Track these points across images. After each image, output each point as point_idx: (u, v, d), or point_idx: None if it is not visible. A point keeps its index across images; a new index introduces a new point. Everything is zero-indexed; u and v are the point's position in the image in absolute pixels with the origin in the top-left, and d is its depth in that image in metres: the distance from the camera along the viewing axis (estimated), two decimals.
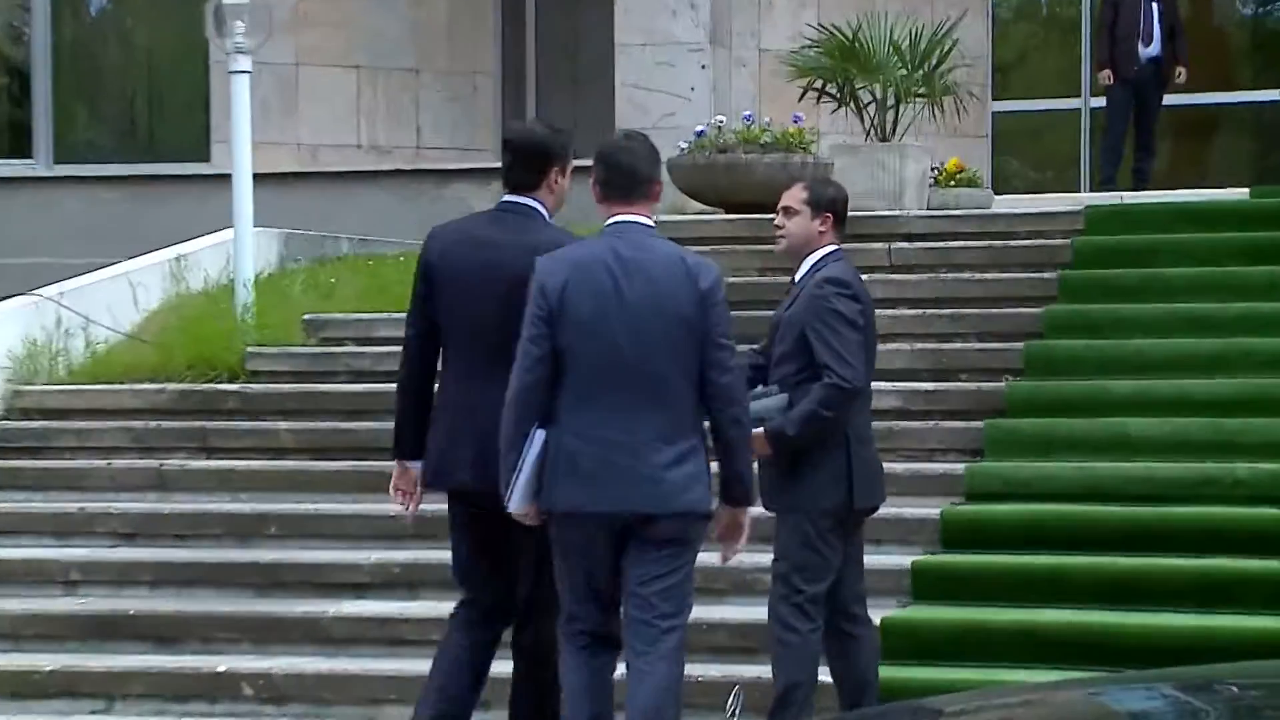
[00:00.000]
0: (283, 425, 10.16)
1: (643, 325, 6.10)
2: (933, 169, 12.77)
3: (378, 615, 8.55)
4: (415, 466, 6.75)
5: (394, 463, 6.84)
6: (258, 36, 11.35)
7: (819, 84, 12.94)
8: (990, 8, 15.48)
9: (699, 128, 12.54)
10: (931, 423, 9.47)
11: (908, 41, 12.68)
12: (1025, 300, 10.35)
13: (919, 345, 10.04)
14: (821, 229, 6.98)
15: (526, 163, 6.54)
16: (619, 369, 6.10)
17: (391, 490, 6.85)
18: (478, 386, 6.38)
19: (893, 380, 9.52)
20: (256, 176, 11.56)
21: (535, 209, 6.55)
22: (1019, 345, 9.90)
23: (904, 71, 12.61)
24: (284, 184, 14.16)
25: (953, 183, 12.72)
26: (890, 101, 12.62)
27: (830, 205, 6.99)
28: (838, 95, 12.87)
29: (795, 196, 7.06)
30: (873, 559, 7.42)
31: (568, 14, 16.68)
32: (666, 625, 6.17)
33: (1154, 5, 14.04)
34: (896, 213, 11.61)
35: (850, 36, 12.79)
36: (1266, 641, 7.31)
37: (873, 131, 12.63)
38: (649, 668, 6.14)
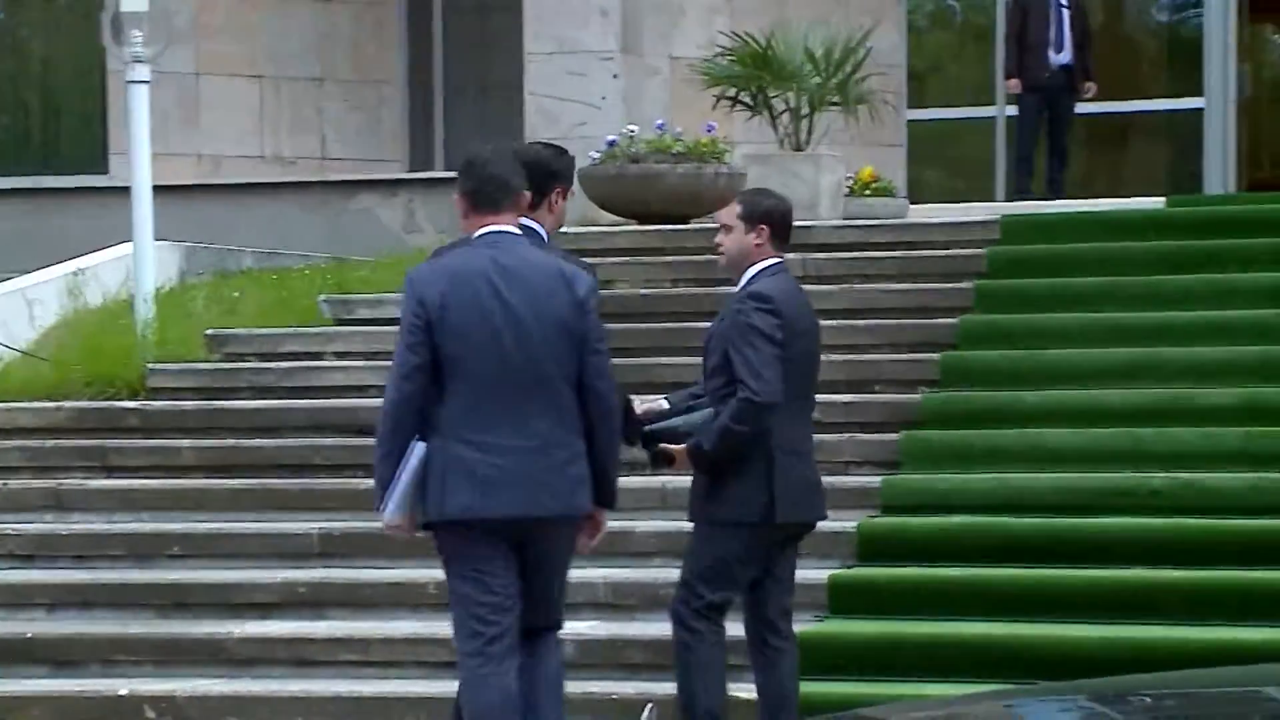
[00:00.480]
0: (184, 443, 10.10)
1: (526, 332, 6.29)
2: (847, 178, 12.85)
3: (283, 635, 8.51)
4: None
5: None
6: (156, 45, 11.29)
7: (732, 93, 13.00)
8: (904, 16, 15.60)
9: (610, 137, 12.58)
10: (847, 435, 9.52)
11: (821, 50, 12.76)
12: (940, 311, 10.43)
13: (834, 357, 10.06)
14: (758, 242, 7.00)
15: (530, 183, 6.58)
16: (507, 376, 6.26)
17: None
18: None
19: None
20: (156, 188, 11.49)
21: (535, 230, 6.66)
22: (935, 356, 9.98)
23: (818, 80, 12.68)
24: (185, 196, 14.08)
25: (867, 192, 12.80)
26: (804, 110, 12.70)
27: (765, 217, 7.01)
28: (751, 104, 12.94)
29: (730, 212, 7.11)
30: None
31: (476, 23, 16.68)
32: (559, 622, 6.51)
33: (1064, 12, 14.16)
34: (810, 223, 11.66)
35: (763, 45, 12.87)
36: (1182, 652, 7.39)
37: (786, 140, 12.71)
38: (547, 665, 6.45)
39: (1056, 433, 9.22)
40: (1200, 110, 15.16)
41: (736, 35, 13.34)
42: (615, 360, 10.02)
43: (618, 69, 13.94)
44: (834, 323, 10.33)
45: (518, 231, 6.44)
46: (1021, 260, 10.98)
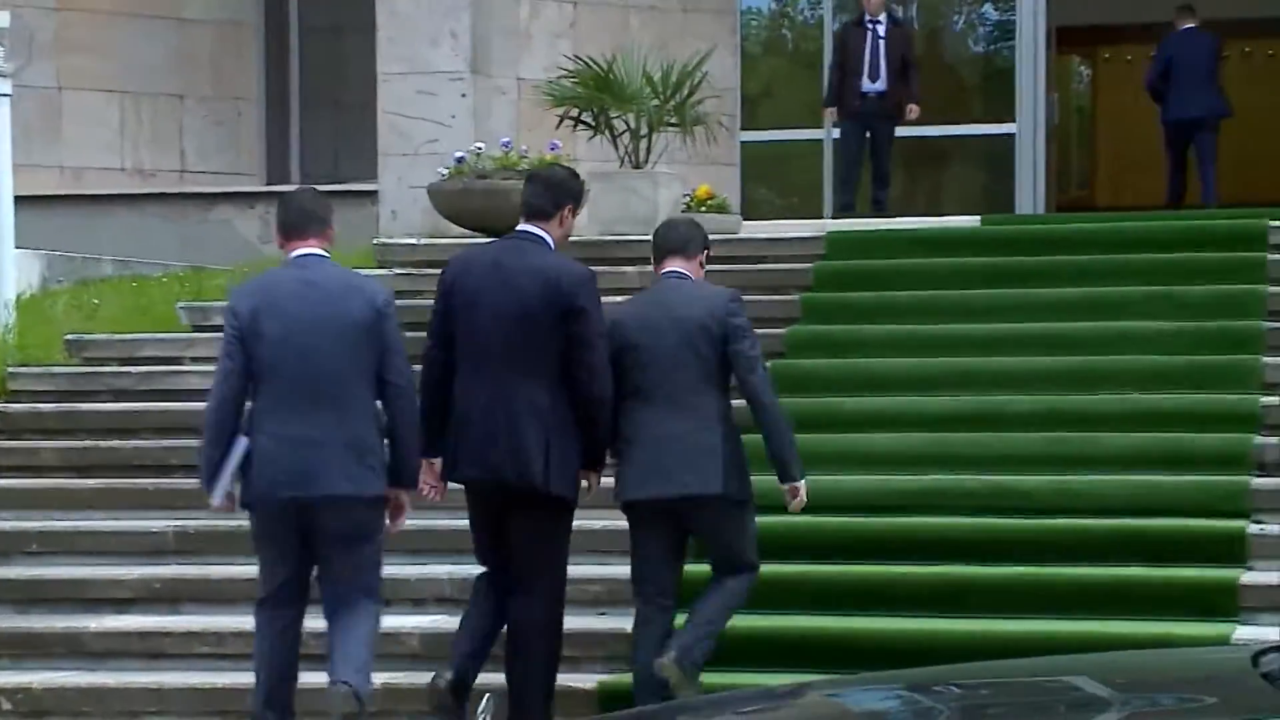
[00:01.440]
0: (44, 444, 9.92)
1: (326, 340, 6.87)
2: (684, 195, 12.87)
3: (139, 629, 8.38)
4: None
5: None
6: (17, 60, 11.10)
7: (575, 113, 12.99)
8: (739, 42, 15.66)
9: (458, 154, 12.51)
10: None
11: (660, 73, 12.78)
12: (770, 321, 10.45)
13: None
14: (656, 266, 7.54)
15: (548, 196, 7.26)
16: (305, 376, 6.85)
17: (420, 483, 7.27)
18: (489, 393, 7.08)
19: None
20: (18, 198, 11.30)
21: (542, 238, 7.23)
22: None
23: (656, 102, 12.70)
24: (46, 206, 13.85)
25: (703, 208, 12.81)
26: (643, 130, 12.71)
27: (656, 246, 7.54)
28: (593, 124, 12.93)
29: None
30: (628, 569, 7.44)
31: (331, 43, 16.55)
32: (366, 589, 7.04)
33: (880, 42, 14.24)
34: (649, 238, 11.63)
35: (605, 68, 12.87)
36: (994, 643, 7.46)
37: (626, 159, 12.71)
38: (351, 630, 6.96)
39: (877, 437, 9.28)
40: (1013, 135, 15.36)
41: (580, 59, 13.34)
42: None
43: (467, 89, 13.88)
44: None
45: (323, 254, 7.05)
46: (846, 274, 11.06)
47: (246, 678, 7.81)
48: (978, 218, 12.80)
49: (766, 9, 16.50)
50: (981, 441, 9.15)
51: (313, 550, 6.96)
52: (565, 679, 7.57)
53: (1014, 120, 15.34)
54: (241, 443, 6.86)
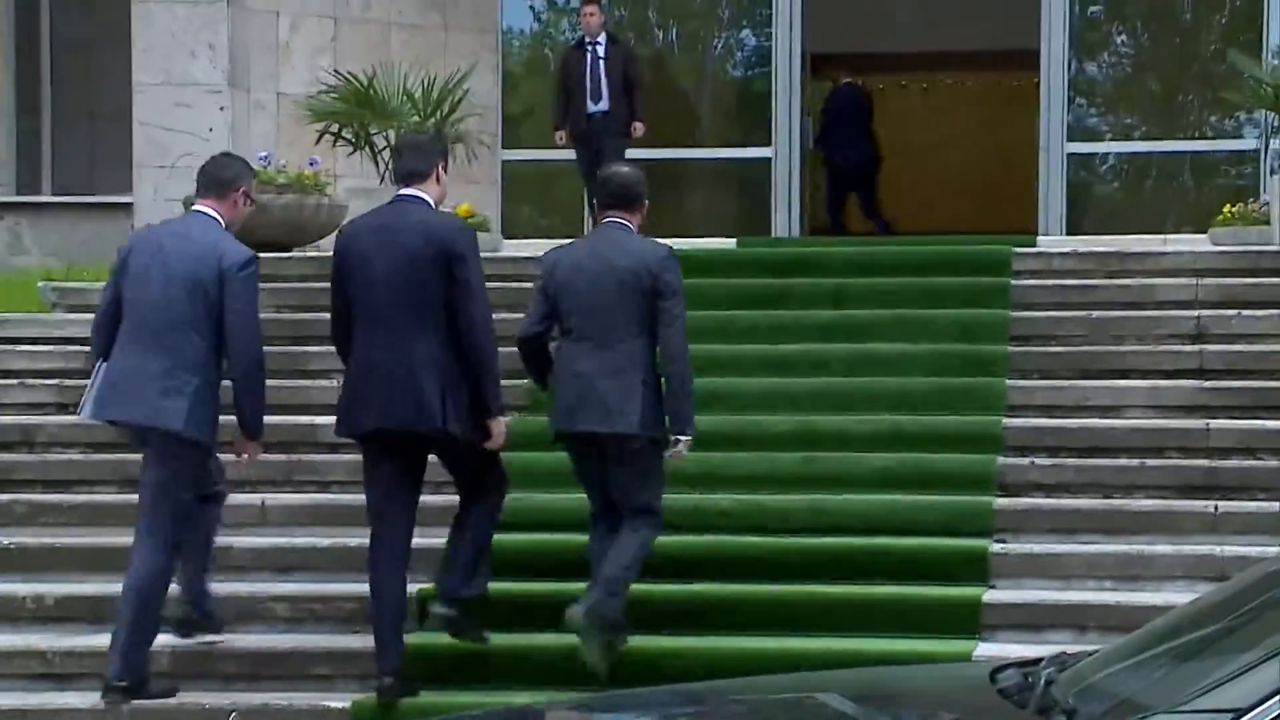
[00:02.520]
0: None
1: (167, 289, 7.57)
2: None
3: None
4: None
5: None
6: None
7: (335, 128, 12.89)
8: (500, 61, 15.67)
9: None
10: None
11: (421, 90, 12.74)
12: None
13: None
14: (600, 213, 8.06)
15: (420, 158, 7.76)
16: (148, 319, 7.59)
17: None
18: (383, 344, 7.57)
19: None
20: None
21: (425, 199, 7.69)
22: (524, 383, 9.98)
23: (417, 118, 12.65)
24: None
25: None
26: None
27: (599, 190, 8.08)
28: (354, 140, 12.84)
29: None
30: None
31: (84, 52, 16.22)
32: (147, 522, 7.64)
33: (600, 62, 14.30)
34: None
35: (366, 84, 12.80)
36: (747, 660, 7.54)
37: (387, 175, 12.61)
38: (139, 551, 7.58)
39: None
40: (769, 159, 15.57)
41: (340, 74, 13.24)
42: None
43: (225, 102, 13.71)
44: None
45: (211, 214, 7.77)
46: None
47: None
48: (734, 240, 12.93)
49: (528, 29, 16.53)
50: (738, 460, 9.24)
51: None
52: (318, 698, 7.49)
53: (770, 144, 15.56)
54: (102, 367, 7.71)
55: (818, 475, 9.11)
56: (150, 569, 7.50)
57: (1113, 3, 15.98)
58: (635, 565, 7.70)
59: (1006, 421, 9.47)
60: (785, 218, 15.45)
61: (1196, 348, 10.00)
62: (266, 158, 12.30)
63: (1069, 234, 14.72)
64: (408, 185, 7.71)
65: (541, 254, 8.14)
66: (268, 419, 7.87)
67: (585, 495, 8.01)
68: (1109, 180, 16.17)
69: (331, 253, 7.87)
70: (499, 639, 7.90)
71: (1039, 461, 9.18)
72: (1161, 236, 13.19)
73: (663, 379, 7.75)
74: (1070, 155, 15.33)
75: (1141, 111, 15.92)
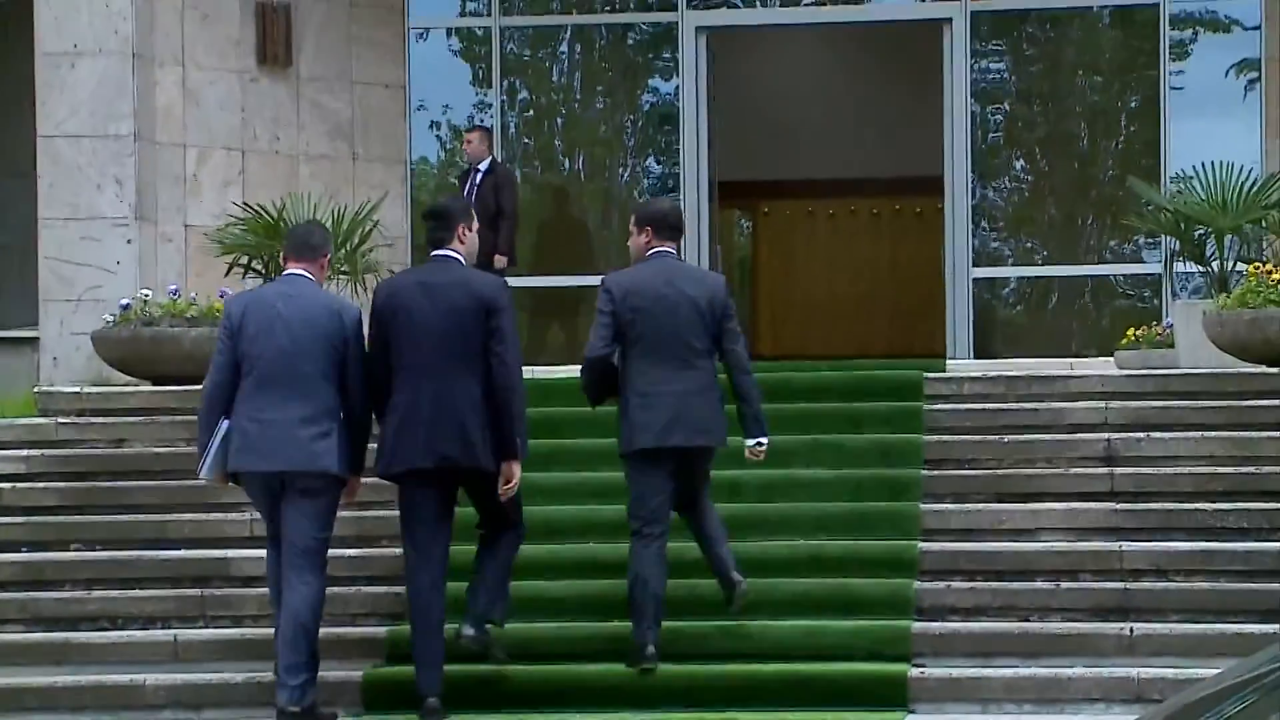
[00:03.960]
0: None
1: (297, 343, 8.22)
2: None
3: None
4: None
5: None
6: None
7: (245, 260, 12.88)
8: (409, 191, 15.73)
9: (124, 301, 12.27)
10: (354, 588, 9.42)
11: (331, 220, 12.73)
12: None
13: (340, 514, 9.99)
14: (645, 239, 8.81)
15: (446, 224, 8.52)
16: (278, 373, 8.21)
17: None
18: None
19: None
20: None
21: (457, 258, 8.52)
22: (400, 589, 9.81)
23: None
24: None
25: None
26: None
27: (649, 220, 8.85)
28: (264, 270, 12.83)
29: (630, 223, 9.01)
30: None
31: None
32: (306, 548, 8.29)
33: (475, 189, 14.32)
34: None
35: (275, 215, 12.81)
36: None
37: None
38: (303, 585, 8.18)
39: (554, 584, 9.31)
40: None
41: (249, 206, 13.25)
42: (128, 518, 9.79)
43: (133, 235, 13.67)
44: None
45: (308, 276, 8.47)
46: None
47: None
48: None
49: (435, 158, 16.62)
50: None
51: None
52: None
53: None
54: (224, 425, 8.28)
55: None
56: (315, 599, 8.21)
57: (1012, 130, 16.27)
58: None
59: (923, 545, 9.52)
60: None
61: (1108, 470, 10.10)
62: (175, 291, 12.26)
63: (976, 357, 14.88)
64: (440, 248, 8.51)
65: (603, 279, 8.88)
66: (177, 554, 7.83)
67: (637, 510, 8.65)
68: (1014, 304, 16.38)
69: (372, 307, 8.53)
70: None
71: (955, 585, 9.24)
72: (1069, 360, 13.35)
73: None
74: (975, 280, 15.54)
75: (1043, 236, 16.16)
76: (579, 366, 8.88)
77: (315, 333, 8.25)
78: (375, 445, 8.47)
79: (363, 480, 8.61)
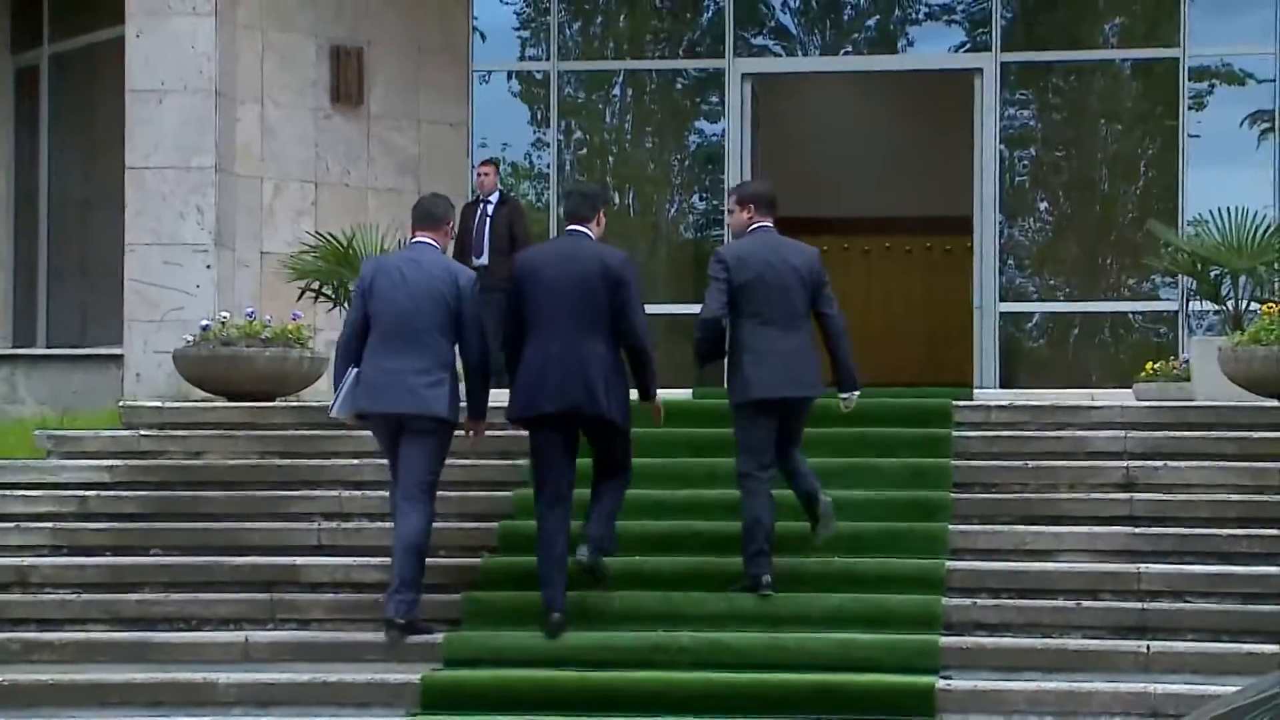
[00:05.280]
0: None
1: (417, 302, 8.92)
2: None
3: None
4: None
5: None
6: None
7: (316, 285, 12.91)
8: None
9: (204, 321, 12.31)
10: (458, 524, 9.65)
11: (395, 250, 12.72)
12: (499, 485, 10.42)
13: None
14: (747, 215, 9.48)
15: (587, 205, 9.29)
16: (399, 329, 8.92)
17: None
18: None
19: (373, 555, 9.58)
20: None
21: (589, 234, 9.22)
22: (495, 525, 9.96)
23: None
24: None
25: None
26: None
27: (751, 199, 9.52)
28: (333, 296, 12.86)
29: (730, 199, 9.88)
30: None
31: (80, 213, 16.24)
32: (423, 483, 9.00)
33: (487, 220, 14.39)
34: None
35: (345, 244, 12.84)
36: None
37: None
38: (414, 514, 8.88)
39: (599, 595, 9.26)
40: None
41: (320, 235, 13.28)
42: (204, 526, 9.82)
43: (211, 260, 13.71)
44: None
45: (431, 243, 9.17)
46: None
47: None
48: (690, 391, 12.92)
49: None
50: (697, 600, 9.19)
51: None
52: None
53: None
54: (352, 372, 8.98)
55: (773, 614, 9.06)
56: (423, 526, 8.85)
57: (1038, 173, 16.21)
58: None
59: (951, 564, 9.45)
60: None
61: (1127, 495, 10.02)
62: (251, 313, 12.28)
63: (1002, 386, 14.80)
64: (576, 224, 9.22)
65: (717, 250, 9.56)
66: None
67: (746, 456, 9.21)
68: (1038, 337, 16.30)
69: (514, 272, 9.21)
70: None
71: (981, 602, 9.16)
72: (1089, 391, 13.25)
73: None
74: (1002, 314, 15.49)
75: (1066, 274, 16.09)
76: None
77: (433, 295, 8.92)
78: (508, 393, 9.11)
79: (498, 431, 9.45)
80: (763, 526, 9.13)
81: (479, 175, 14.68)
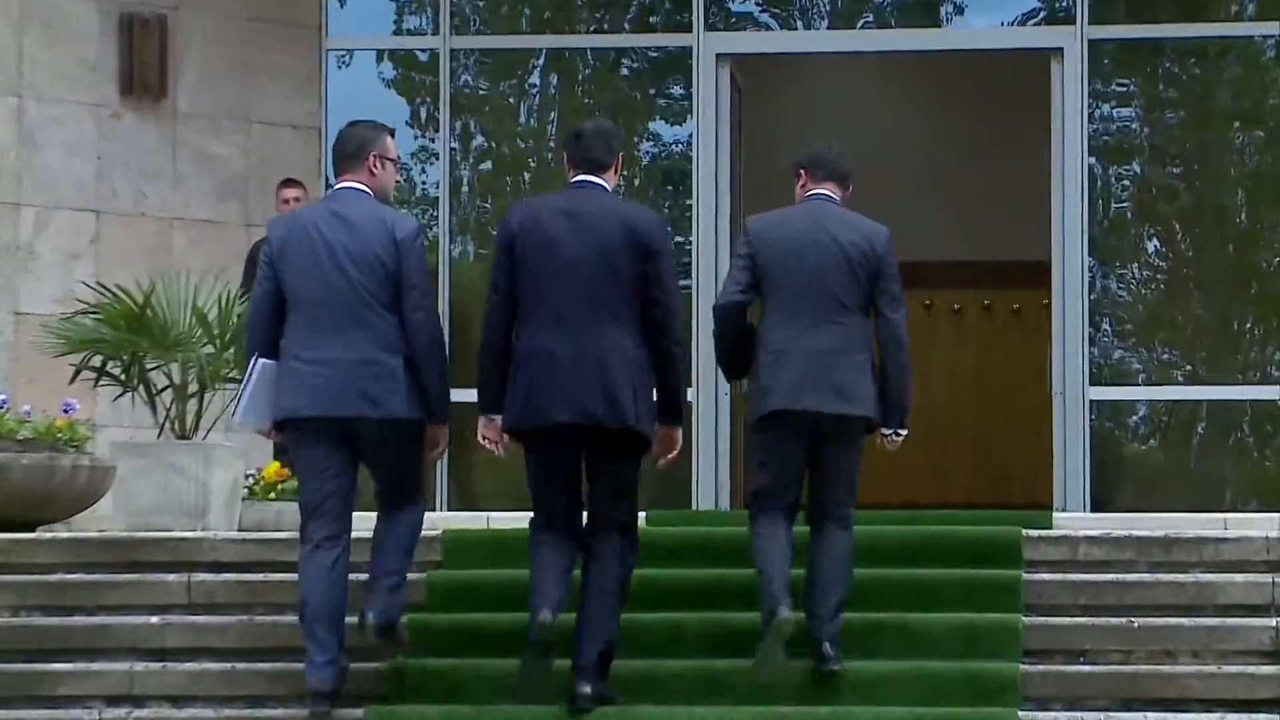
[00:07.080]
0: None
1: (347, 271, 9.40)
2: (248, 475, 12.82)
3: None
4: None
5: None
6: None
7: (98, 362, 12.85)
8: None
9: None
10: None
11: (216, 310, 12.70)
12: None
13: (224, 711, 10.01)
14: (800, 184, 10.06)
15: (604, 145, 9.62)
16: (329, 306, 9.43)
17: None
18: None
19: None
20: None
21: (606, 186, 9.58)
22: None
23: (211, 349, 12.64)
24: None
25: (273, 494, 12.78)
26: (193, 388, 12.63)
27: (806, 163, 10.07)
28: (122, 377, 12.81)
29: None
30: None
31: None
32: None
33: None
34: (199, 535, 11.57)
35: (140, 301, 12.73)
36: None
37: (169, 427, 12.62)
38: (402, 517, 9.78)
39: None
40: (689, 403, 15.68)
41: (105, 288, 13.20)
42: None
43: None
44: (226, 666, 10.30)
45: (358, 186, 9.65)
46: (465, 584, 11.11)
47: None
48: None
49: None
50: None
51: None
52: None
53: (690, 383, 15.68)
54: (259, 366, 9.59)
55: None
56: (415, 524, 9.77)
57: (1144, 200, 16.27)
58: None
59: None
60: (711, 485, 15.53)
61: (1276, 668, 10.10)
62: (3, 402, 12.26)
63: (1094, 509, 14.89)
64: (589, 173, 9.55)
65: (749, 218, 10.05)
66: None
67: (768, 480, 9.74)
68: (1145, 437, 16.39)
69: (499, 233, 9.62)
70: None
71: None
72: (1222, 516, 13.35)
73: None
74: (1093, 402, 15.54)
75: (1185, 345, 16.19)
76: None
77: (367, 259, 9.44)
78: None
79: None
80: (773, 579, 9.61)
81: (280, 201, 14.61)
